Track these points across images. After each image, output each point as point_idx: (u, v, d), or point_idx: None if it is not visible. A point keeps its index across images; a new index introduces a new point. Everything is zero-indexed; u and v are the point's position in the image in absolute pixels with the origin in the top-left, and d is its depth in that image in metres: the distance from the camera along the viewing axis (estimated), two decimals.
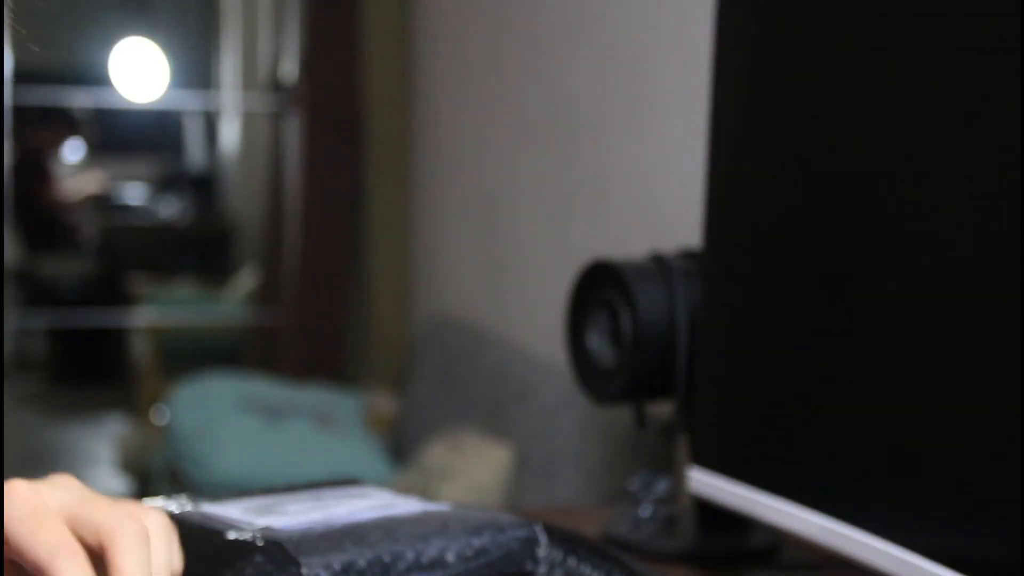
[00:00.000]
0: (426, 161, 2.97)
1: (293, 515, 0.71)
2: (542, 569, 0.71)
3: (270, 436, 2.48)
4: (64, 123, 5.68)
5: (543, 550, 0.70)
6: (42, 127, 5.54)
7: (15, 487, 0.53)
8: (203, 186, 6.80)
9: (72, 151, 6.03)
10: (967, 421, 0.68)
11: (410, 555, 0.66)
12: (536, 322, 2.18)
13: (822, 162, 0.80)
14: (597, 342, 1.09)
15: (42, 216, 5.53)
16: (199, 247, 6.13)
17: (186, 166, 7.12)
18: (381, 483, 0.88)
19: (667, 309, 1.03)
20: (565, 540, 0.74)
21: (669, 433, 1.07)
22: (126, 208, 6.66)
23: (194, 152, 7.13)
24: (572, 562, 0.73)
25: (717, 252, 0.93)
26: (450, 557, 0.67)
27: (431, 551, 0.67)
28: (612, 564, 0.73)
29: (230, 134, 6.33)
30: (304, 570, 0.63)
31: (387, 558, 0.65)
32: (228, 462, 2.41)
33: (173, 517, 0.72)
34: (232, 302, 4.66)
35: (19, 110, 4.55)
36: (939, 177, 0.70)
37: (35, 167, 5.49)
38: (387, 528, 0.68)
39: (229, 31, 6.27)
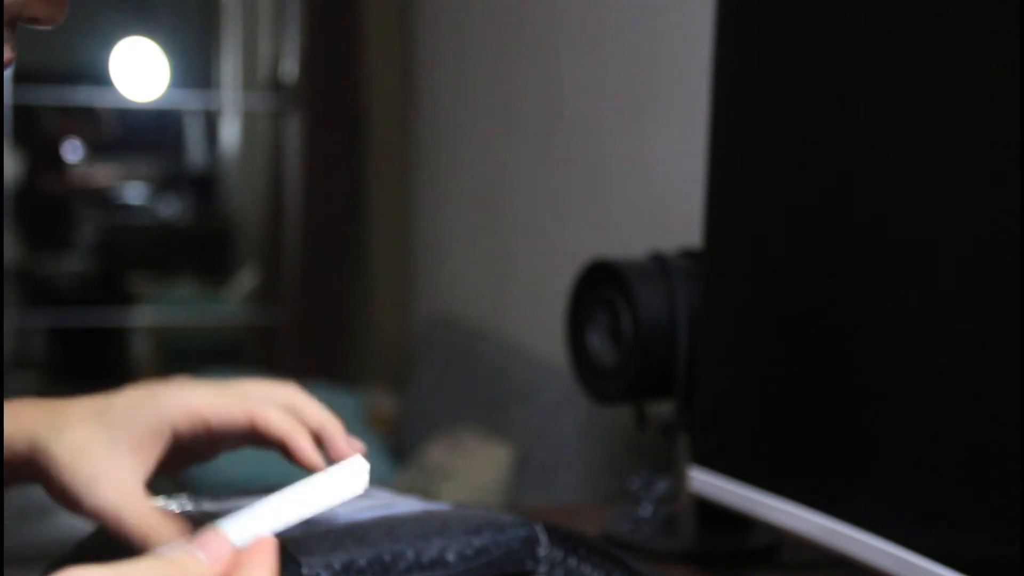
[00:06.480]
0: (426, 161, 2.97)
1: None
2: (542, 569, 0.71)
3: None
4: (82, 119, 5.71)
5: (543, 550, 0.70)
6: (59, 122, 5.57)
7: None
8: (203, 186, 6.79)
9: (77, 149, 6.03)
10: (967, 421, 0.68)
11: (410, 554, 0.66)
12: (536, 322, 2.18)
13: (822, 162, 0.80)
14: (597, 342, 1.09)
15: (48, 212, 5.54)
16: (199, 247, 6.12)
17: (186, 165, 7.11)
18: (381, 483, 0.88)
19: (667, 309, 1.03)
20: (565, 540, 0.74)
21: (669, 433, 1.07)
22: (126, 207, 6.65)
23: (194, 152, 7.12)
24: (572, 562, 0.73)
25: (717, 252, 0.93)
26: (450, 557, 0.67)
27: (431, 551, 0.67)
28: (612, 564, 0.73)
29: (230, 134, 6.32)
30: (304, 569, 0.63)
31: (387, 557, 0.65)
32: (228, 461, 2.40)
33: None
34: (232, 301, 4.66)
35: (26, 108, 4.55)
36: (940, 179, 0.70)
37: (51, 160, 5.52)
38: (387, 527, 0.68)
39: (229, 31, 6.27)
